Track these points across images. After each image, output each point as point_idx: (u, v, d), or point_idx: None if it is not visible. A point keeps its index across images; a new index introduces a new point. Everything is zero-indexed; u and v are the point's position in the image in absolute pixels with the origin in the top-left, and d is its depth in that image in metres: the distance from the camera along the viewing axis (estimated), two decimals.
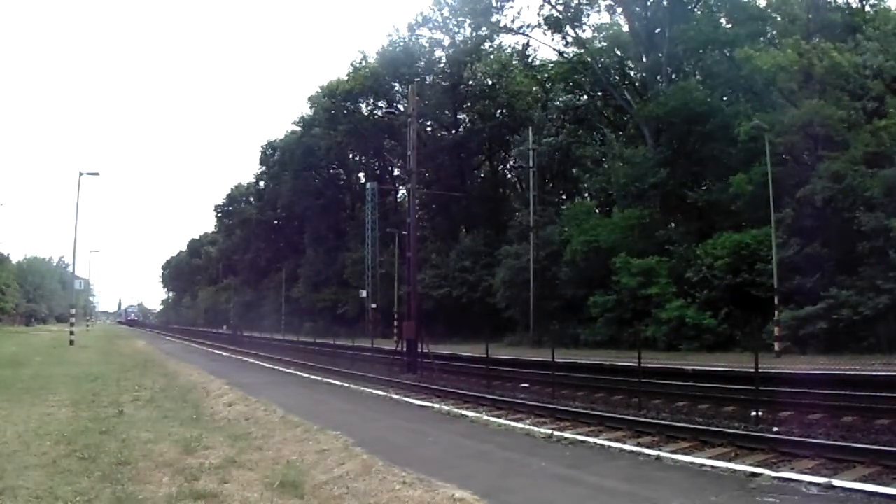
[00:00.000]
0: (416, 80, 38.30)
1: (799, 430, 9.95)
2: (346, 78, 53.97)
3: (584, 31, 38.50)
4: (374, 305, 44.37)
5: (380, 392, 14.61)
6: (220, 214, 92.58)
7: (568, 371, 17.32)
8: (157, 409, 11.21)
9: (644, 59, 34.73)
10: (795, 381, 13.18)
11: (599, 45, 38.13)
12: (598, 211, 37.13)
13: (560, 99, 43.06)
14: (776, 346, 20.06)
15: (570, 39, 38.79)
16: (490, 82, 45.61)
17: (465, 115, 48.93)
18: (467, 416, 10.72)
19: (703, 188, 30.70)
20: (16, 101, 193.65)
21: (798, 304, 21.22)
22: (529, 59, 48.01)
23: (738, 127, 25.23)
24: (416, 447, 8.18)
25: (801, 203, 22.48)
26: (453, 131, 48.75)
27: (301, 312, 60.52)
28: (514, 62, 47.91)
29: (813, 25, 26.77)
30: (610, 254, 28.52)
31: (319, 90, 56.61)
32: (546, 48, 66.80)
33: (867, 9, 28.51)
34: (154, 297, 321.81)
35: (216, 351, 35.10)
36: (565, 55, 40.33)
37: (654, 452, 7.59)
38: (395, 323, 37.74)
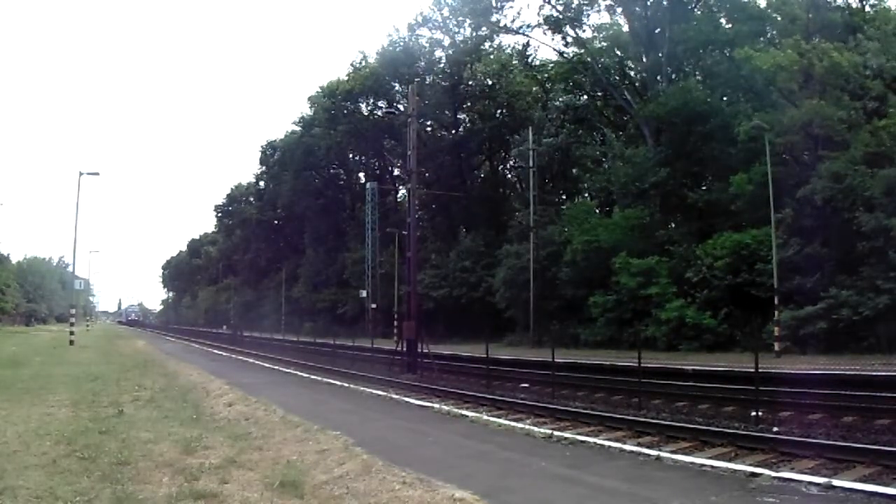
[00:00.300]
0: (416, 80, 38.29)
1: (799, 430, 9.95)
2: (346, 78, 53.98)
3: (584, 31, 38.60)
4: (374, 305, 44.37)
5: (380, 392, 14.60)
6: (220, 214, 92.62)
7: (568, 371, 17.32)
8: (157, 409, 11.21)
9: (644, 59, 34.75)
10: (795, 381, 13.18)
11: (599, 45, 38.15)
12: (598, 211, 37.13)
13: (560, 99, 43.01)
14: (776, 346, 20.07)
15: (570, 39, 38.84)
16: (490, 82, 45.61)
17: (465, 115, 48.94)
18: (467, 416, 10.72)
19: (703, 188, 30.73)
20: (16, 101, 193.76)
21: (798, 304, 21.22)
22: (529, 59, 48.04)
23: (738, 127, 25.24)
24: (416, 447, 8.18)
25: (801, 203, 22.49)
26: (453, 131, 48.75)
27: (301, 312, 60.53)
28: (514, 62, 47.91)
29: (813, 25, 26.76)
30: (610, 254, 28.53)
31: (319, 90, 56.64)
32: (546, 48, 67.00)
33: (867, 9, 28.53)
34: (154, 297, 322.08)
35: (216, 351, 35.10)
36: (565, 55, 40.37)
37: (654, 452, 7.59)
38: (395, 323, 37.75)
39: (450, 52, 47.27)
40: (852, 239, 21.10)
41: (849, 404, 11.44)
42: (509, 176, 50.74)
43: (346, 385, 16.17)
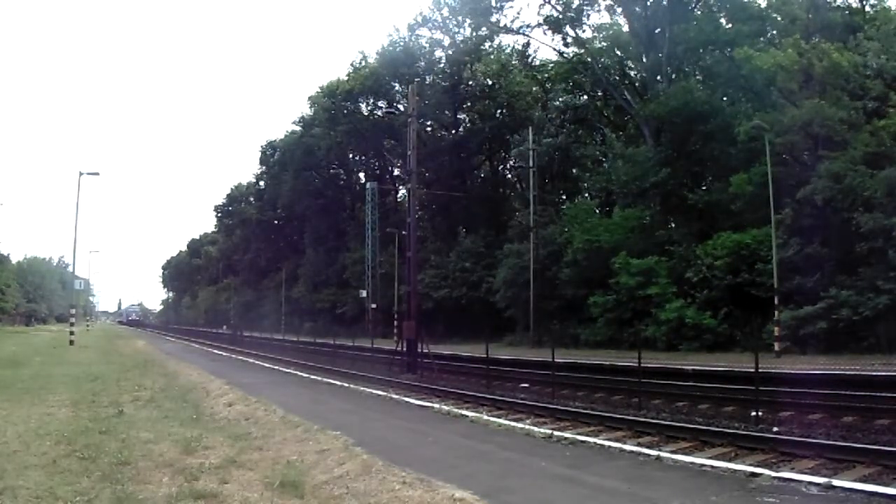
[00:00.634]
0: (416, 80, 38.28)
1: (799, 430, 9.95)
2: (346, 78, 53.97)
3: (584, 31, 38.54)
4: (374, 305, 44.37)
5: (380, 392, 14.61)
6: (220, 214, 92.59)
7: (568, 371, 17.32)
8: (157, 409, 11.21)
9: (644, 59, 34.73)
10: (795, 381, 13.18)
11: (599, 45, 38.13)
12: (598, 211, 37.14)
13: (560, 99, 43.05)
14: (776, 346, 20.07)
15: (570, 39, 38.78)
16: (490, 82, 45.63)
17: (465, 115, 48.95)
18: (467, 416, 10.72)
19: (704, 188, 30.74)
20: (16, 101, 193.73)
21: (798, 304, 21.22)
22: (529, 59, 48.03)
23: (739, 127, 25.23)
24: (416, 447, 8.18)
25: (801, 203, 22.48)
26: (453, 131, 48.76)
27: (301, 312, 60.52)
28: (514, 62, 47.91)
29: (813, 25, 26.76)
30: (610, 254, 28.52)
31: (319, 90, 56.63)
32: (546, 48, 66.97)
33: (867, 9, 28.53)
34: (154, 297, 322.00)
35: (216, 351, 35.10)
36: (565, 55, 40.34)
37: (654, 452, 7.59)
38: (395, 323, 37.75)
39: (450, 52, 47.29)
40: (852, 239, 21.10)
41: (849, 404, 11.44)
42: (509, 176, 50.74)
43: (346, 385, 16.17)
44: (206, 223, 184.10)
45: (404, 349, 21.93)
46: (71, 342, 34.39)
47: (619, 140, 36.70)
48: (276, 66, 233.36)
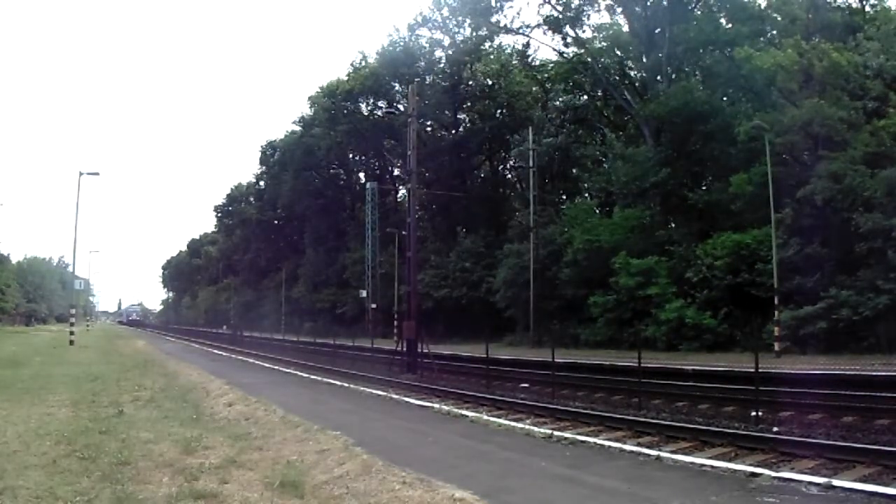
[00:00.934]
0: (416, 80, 38.28)
1: (799, 430, 9.95)
2: (346, 78, 53.96)
3: (584, 31, 38.51)
4: (374, 305, 44.37)
5: (380, 392, 14.61)
6: (220, 214, 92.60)
7: (568, 371, 17.32)
8: (157, 409, 11.21)
9: (644, 59, 34.72)
10: (795, 381, 13.18)
11: (599, 45, 38.11)
12: (598, 211, 37.14)
13: (560, 99, 43.05)
14: (776, 346, 20.07)
15: (570, 39, 38.76)
16: (490, 82, 45.63)
17: (465, 115, 48.94)
18: (467, 416, 10.72)
19: (704, 188, 30.73)
20: (16, 101, 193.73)
21: (798, 304, 21.22)
22: (529, 59, 48.00)
23: (739, 127, 25.23)
24: (416, 447, 8.18)
25: (801, 203, 22.48)
26: (453, 131, 48.75)
27: (301, 312, 60.51)
28: (514, 62, 47.89)
29: (813, 25, 26.75)
30: (610, 254, 28.52)
31: (319, 90, 56.63)
32: (546, 48, 66.85)
33: (867, 9, 28.52)
34: (154, 297, 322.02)
35: (216, 351, 35.10)
36: (565, 55, 40.31)
37: (654, 452, 7.59)
38: (395, 323, 37.75)
39: (450, 52, 47.28)
40: (852, 239, 21.10)
41: (849, 404, 11.44)
42: (509, 176, 50.74)
43: (346, 385, 16.18)
44: (206, 223, 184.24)
45: (404, 349, 21.92)
46: (71, 342, 34.39)
47: (619, 140, 36.70)
48: (276, 66, 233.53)
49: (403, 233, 29.64)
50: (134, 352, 32.01)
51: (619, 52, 37.72)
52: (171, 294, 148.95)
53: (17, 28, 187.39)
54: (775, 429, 9.95)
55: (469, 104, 47.33)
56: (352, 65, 55.73)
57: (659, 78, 33.71)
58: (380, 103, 52.02)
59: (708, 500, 5.48)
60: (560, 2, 37.02)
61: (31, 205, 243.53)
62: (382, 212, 48.90)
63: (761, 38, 30.62)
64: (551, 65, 44.58)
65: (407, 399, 13.32)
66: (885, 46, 23.43)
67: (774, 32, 30.71)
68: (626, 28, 36.83)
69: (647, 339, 24.38)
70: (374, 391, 14.75)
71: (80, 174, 37.10)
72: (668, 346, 24.56)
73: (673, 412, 12.18)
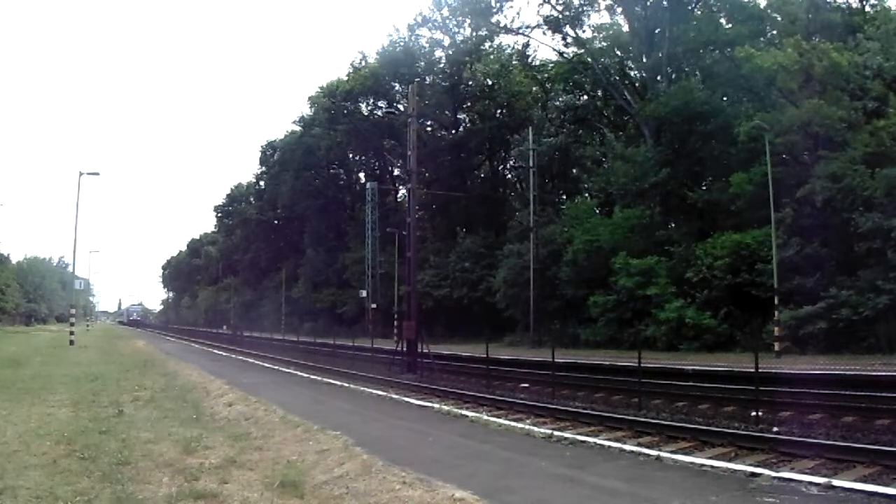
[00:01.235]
0: (416, 80, 38.24)
1: (799, 430, 9.95)
2: (345, 78, 53.93)
3: (583, 31, 38.54)
4: (374, 305, 44.38)
5: (380, 392, 14.61)
6: (220, 214, 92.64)
7: (568, 371, 17.31)
8: (157, 409, 11.22)
9: (644, 59, 34.71)
10: (795, 381, 13.17)
11: (599, 45, 38.11)
12: (597, 211, 37.15)
13: (560, 99, 43.06)
14: (776, 346, 20.08)
15: (570, 39, 38.80)
16: (490, 82, 45.60)
17: (465, 115, 48.93)
18: (467, 416, 10.72)
19: (704, 188, 30.73)
20: (16, 101, 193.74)
21: (798, 304, 21.23)
22: (529, 59, 48.03)
23: (739, 127, 25.24)
24: (416, 447, 8.18)
25: (801, 203, 22.50)
26: (453, 131, 48.75)
27: (301, 312, 60.51)
28: (514, 62, 47.90)
29: (813, 25, 26.73)
30: (610, 254, 28.53)
31: (319, 90, 56.63)
32: (546, 48, 66.91)
33: (867, 9, 28.48)
34: (154, 297, 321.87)
35: (216, 351, 35.11)
36: (565, 55, 40.34)
37: (654, 452, 7.59)
38: (395, 323, 37.75)
39: (450, 52, 47.28)
40: (852, 239, 21.12)
41: (849, 404, 11.44)
42: (509, 176, 50.75)
43: (346, 385, 16.18)
44: (206, 223, 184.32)
45: (404, 349, 21.92)
46: (71, 342, 34.41)
47: (619, 140, 36.70)
48: (276, 66, 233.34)
49: (403, 233, 29.61)
50: (134, 352, 32.01)
51: (619, 52, 37.72)
52: (171, 294, 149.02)
53: (18, 28, 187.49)
54: (775, 429, 9.95)
55: (469, 104, 47.32)
56: (352, 65, 55.74)
57: (659, 78, 33.72)
58: (380, 103, 52.03)
59: (708, 500, 5.48)
60: (560, 2, 37.07)
61: (31, 205, 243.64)
62: (382, 212, 48.91)
63: (761, 38, 30.59)
64: (551, 65, 44.62)
65: (407, 399, 13.33)
66: (884, 46, 23.43)
67: (774, 32, 30.69)
68: (626, 28, 36.84)
69: (647, 339, 24.38)
70: (374, 391, 14.76)
71: (80, 174, 37.19)
72: (668, 346, 24.56)
73: (673, 412, 12.18)
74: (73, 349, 31.65)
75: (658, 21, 33.64)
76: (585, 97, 42.00)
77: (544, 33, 39.64)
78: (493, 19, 42.23)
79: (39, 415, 10.19)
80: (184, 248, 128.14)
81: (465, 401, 13.62)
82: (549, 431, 9.05)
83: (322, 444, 7.89)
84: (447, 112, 48.14)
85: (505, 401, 13.37)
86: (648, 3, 34.40)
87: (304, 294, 61.79)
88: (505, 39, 48.58)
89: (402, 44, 49.19)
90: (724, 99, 31.21)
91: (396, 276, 40.88)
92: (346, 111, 53.42)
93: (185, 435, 8.48)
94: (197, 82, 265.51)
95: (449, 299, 39.50)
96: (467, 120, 48.87)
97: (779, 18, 29.94)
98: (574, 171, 43.39)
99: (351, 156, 62.32)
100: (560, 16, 37.37)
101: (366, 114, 53.95)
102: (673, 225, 31.08)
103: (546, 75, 45.22)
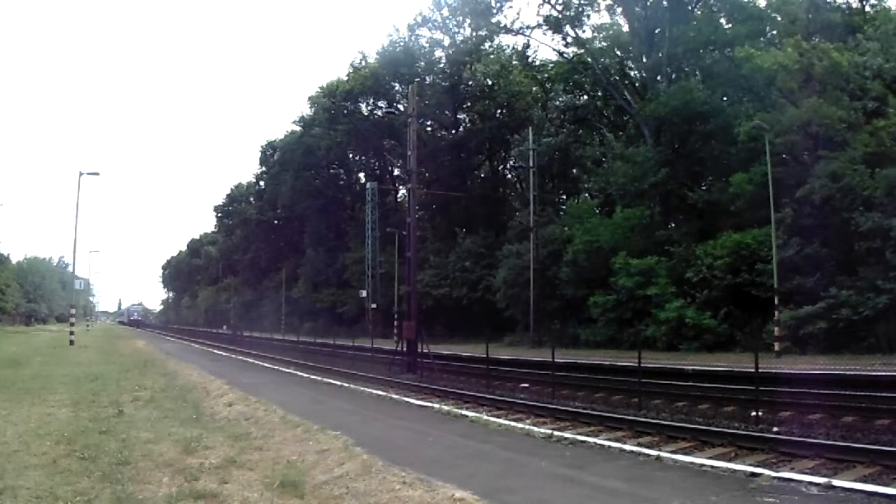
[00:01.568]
0: (416, 80, 38.24)
1: (799, 430, 9.96)
2: (345, 78, 53.93)
3: (584, 31, 38.51)
4: (374, 305, 44.37)
5: (380, 392, 14.61)
6: (220, 214, 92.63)
7: (568, 371, 17.31)
8: (157, 409, 11.22)
9: (644, 59, 34.72)
10: (795, 381, 13.17)
11: (599, 45, 38.10)
12: (598, 211, 37.16)
13: (560, 99, 43.05)
14: (776, 346, 20.07)
15: (570, 39, 38.78)
16: (490, 82, 45.57)
17: (465, 115, 48.93)
18: (467, 416, 10.72)
19: (704, 188, 30.73)
20: (16, 101, 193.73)
21: (798, 304, 21.23)
22: (529, 59, 48.02)
23: (738, 127, 25.24)
24: (416, 447, 8.18)
25: (801, 203, 22.50)
26: (453, 131, 48.75)
27: (301, 312, 60.51)
28: (514, 62, 47.89)
29: (813, 25, 26.73)
30: (610, 254, 28.53)
31: (319, 90, 56.60)
32: (546, 48, 66.87)
33: (867, 9, 28.49)
34: (154, 297, 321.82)
35: (216, 351, 35.11)
36: (565, 55, 40.34)
37: (654, 452, 7.59)
38: (395, 323, 37.75)
39: (450, 52, 47.27)
40: (852, 239, 21.12)
41: (849, 404, 11.44)
42: (509, 176, 50.76)
43: (346, 385, 16.18)
44: (206, 223, 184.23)
45: (404, 349, 21.92)
46: (71, 342, 34.40)
47: (619, 140, 36.72)
48: (276, 66, 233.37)
49: (403, 233, 29.61)
50: (134, 352, 32.01)
51: (619, 53, 37.71)
52: (170, 294, 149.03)
53: (18, 28, 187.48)
54: (775, 429, 9.95)
55: (469, 104, 47.31)
56: (352, 65, 55.73)
57: (659, 78, 33.72)
58: (380, 103, 52.02)
59: (708, 500, 5.48)
60: (560, 2, 37.04)
61: (31, 205, 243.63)
62: (382, 212, 48.91)
63: (761, 38, 30.58)
64: (551, 65, 44.62)
65: (407, 399, 13.33)
66: (884, 46, 23.43)
67: (774, 32, 30.68)
68: (626, 28, 36.83)
69: (647, 339, 24.38)
70: (374, 391, 14.76)
71: (80, 174, 37.19)
72: (668, 346, 24.56)
73: (673, 412, 12.18)
74: (73, 349, 31.65)
75: (658, 21, 33.64)
76: (585, 97, 41.99)
77: (544, 33, 39.69)
78: (493, 19, 42.25)
79: (39, 415, 10.19)
80: (184, 248, 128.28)
81: (465, 401, 13.62)
82: (549, 431, 9.05)
83: (322, 444, 7.89)
84: (447, 112, 48.14)
85: (505, 401, 13.36)
86: (648, 3, 34.40)
87: (304, 294, 61.80)
88: (505, 39, 48.68)
89: (402, 44, 49.22)
90: (724, 99, 31.21)
91: (396, 276, 40.89)
92: (346, 111, 53.41)
93: (185, 435, 8.48)
94: (197, 82, 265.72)
95: (449, 299, 39.50)
96: (467, 120, 48.86)
97: (779, 18, 29.95)
98: (574, 171, 43.38)
99: (351, 156, 62.31)
100: (560, 16, 37.35)
101: (366, 114, 53.95)
102: (673, 225, 31.08)
103: (546, 75, 45.23)
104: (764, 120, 22.68)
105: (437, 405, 12.24)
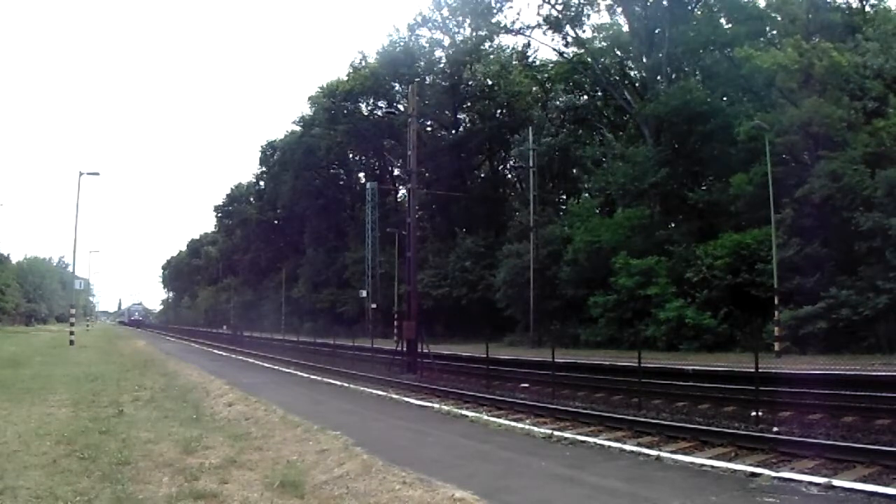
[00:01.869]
0: (416, 80, 38.28)
1: (799, 430, 9.96)
2: (345, 78, 53.97)
3: (584, 31, 38.55)
4: (374, 305, 44.36)
5: (380, 392, 14.61)
6: (220, 214, 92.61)
7: (568, 371, 17.31)
8: (157, 409, 11.21)
9: (644, 59, 34.73)
10: (795, 381, 13.17)
11: (599, 45, 38.13)
12: (598, 211, 37.16)
13: (560, 99, 43.06)
14: (776, 346, 20.08)
15: (570, 39, 38.82)
16: (490, 82, 45.60)
17: (465, 115, 48.94)
18: (467, 416, 10.72)
19: (703, 188, 30.74)
20: (16, 101, 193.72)
21: (798, 304, 21.23)
22: (529, 59, 48.04)
23: (738, 127, 25.24)
24: (416, 447, 8.18)
25: (801, 203, 22.50)
26: (453, 131, 48.75)
27: (301, 312, 60.53)
28: (514, 62, 47.91)
29: (813, 25, 26.75)
30: (611, 253, 28.54)
31: (319, 90, 56.65)
32: (546, 48, 66.78)
33: (867, 9, 28.51)
34: (154, 297, 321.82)
35: (216, 351, 35.11)
36: (565, 55, 40.36)
37: (654, 452, 7.59)
38: (395, 323, 37.74)
39: (450, 52, 47.28)
40: (852, 239, 21.11)
41: (849, 404, 11.44)
42: (509, 176, 50.77)
43: (346, 385, 16.18)
44: (206, 223, 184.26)
45: (404, 349, 21.92)
46: (71, 342, 34.39)
47: (619, 140, 36.74)
48: (276, 66, 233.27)
49: (403, 233, 29.60)
50: (134, 352, 32.01)
51: (619, 52, 37.74)
52: (170, 294, 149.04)
53: (18, 28, 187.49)
54: (775, 429, 9.95)
55: (469, 104, 47.32)
56: (352, 65, 55.79)
57: (659, 78, 33.72)
58: (380, 103, 52.03)
59: (708, 500, 5.48)
60: (560, 2, 37.06)
61: (31, 205, 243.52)
62: (382, 212, 48.90)
63: (761, 38, 30.61)
64: (551, 65, 44.64)
65: (407, 399, 13.32)
66: (884, 46, 23.45)
67: (774, 32, 30.72)
68: (626, 28, 36.85)
69: (647, 339, 24.40)
70: (374, 391, 14.76)
71: (80, 174, 37.14)
72: (668, 346, 24.57)
73: (673, 412, 12.18)
74: (73, 349, 31.64)
75: (658, 21, 33.64)
76: (585, 97, 42.02)
77: (544, 33, 39.69)
78: (493, 19, 42.27)
79: (39, 415, 10.19)
80: (184, 248, 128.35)
81: (465, 401, 13.62)
82: (549, 431, 9.05)
83: (322, 444, 7.89)
84: (447, 112, 48.14)
85: (505, 401, 13.36)
86: (648, 3, 34.40)
87: (304, 294, 61.80)
88: (505, 39, 48.64)
89: (402, 44, 49.23)
90: (724, 99, 31.24)
91: (396, 276, 40.89)
92: (346, 111, 53.42)
93: (185, 435, 8.48)
94: (197, 82, 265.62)
95: (449, 299, 39.50)
96: (467, 120, 48.87)
97: (779, 18, 29.98)
98: (574, 171, 43.36)
99: (351, 156, 62.31)
100: (560, 16, 37.36)
101: (366, 114, 53.95)
102: (673, 225, 31.09)
103: (546, 75, 45.23)
104: (764, 120, 22.68)
105: (437, 405, 12.24)
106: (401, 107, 46.63)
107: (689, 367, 17.01)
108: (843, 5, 28.72)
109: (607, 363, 19.24)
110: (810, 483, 5.93)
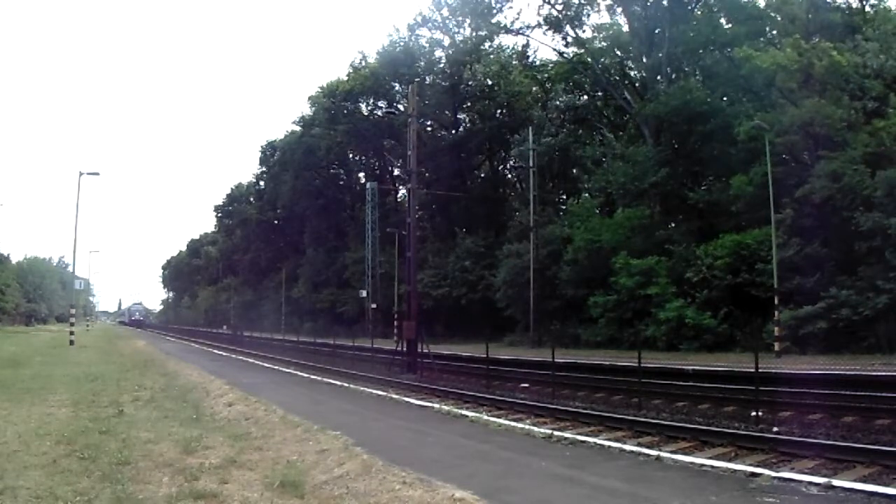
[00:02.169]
0: (416, 80, 38.26)
1: (799, 430, 9.96)
2: (346, 78, 53.97)
3: (584, 31, 38.57)
4: (374, 305, 44.36)
5: (380, 392, 14.61)
6: (220, 214, 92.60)
7: (568, 371, 17.31)
8: (157, 409, 11.21)
9: (644, 59, 34.73)
10: (795, 381, 13.17)
11: (599, 45, 38.13)
12: (598, 211, 37.17)
13: (560, 99, 43.05)
14: (776, 346, 20.08)
15: (570, 39, 38.84)
16: (490, 82, 45.61)
17: (465, 115, 48.95)
18: (467, 416, 10.72)
19: (704, 188, 30.75)
20: (16, 101, 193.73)
21: (798, 304, 21.23)
22: (529, 59, 48.05)
23: (738, 127, 25.24)
24: (416, 447, 8.18)
25: (801, 203, 22.51)
26: (453, 131, 48.75)
27: (301, 312, 60.52)
28: (514, 62, 47.91)
29: (813, 25, 26.75)
30: (611, 253, 28.54)
31: (319, 90, 56.63)
32: (546, 48, 66.90)
33: (867, 9, 28.50)
34: (154, 297, 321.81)
35: (216, 351, 35.10)
36: (565, 55, 40.37)
37: (654, 452, 7.59)
38: (395, 323, 37.75)
39: (450, 52, 47.30)
40: (852, 239, 21.12)
41: (849, 404, 11.44)
42: (509, 176, 50.76)
43: (346, 385, 16.18)
44: (206, 223, 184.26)
45: (404, 349, 21.93)
46: (71, 342, 34.39)
47: (619, 140, 36.75)
48: (276, 66, 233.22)
49: (403, 233, 29.60)
50: (134, 352, 32.01)
51: (619, 52, 37.73)
52: (170, 294, 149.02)
53: (18, 28, 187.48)
54: (775, 429, 9.95)
55: (469, 104, 47.31)
56: (352, 65, 55.79)
57: (659, 78, 33.72)
58: (380, 103, 52.04)
59: (708, 500, 5.48)
60: (560, 2, 37.07)
61: (31, 205, 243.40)
62: (382, 212, 48.90)
63: (761, 38, 30.62)
64: (551, 65, 44.62)
65: (407, 399, 13.32)
66: (884, 46, 23.45)
67: (774, 32, 30.72)
68: (626, 28, 36.84)
69: (647, 339, 24.40)
70: (374, 391, 14.76)
71: (80, 174, 37.13)
72: (668, 346, 24.57)
73: (673, 412, 12.18)
74: (73, 349, 31.63)
75: (658, 21, 33.64)
76: (585, 97, 42.01)
77: (544, 33, 39.73)
78: (493, 19, 42.31)
79: (39, 415, 10.19)
80: (184, 248, 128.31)
81: (465, 401, 13.62)
82: (549, 431, 9.05)
83: (322, 444, 7.89)
84: (447, 112, 48.15)
85: (505, 401, 13.37)
86: (648, 3, 34.40)
87: (304, 294, 61.79)
88: (505, 39, 48.68)
89: (402, 44, 49.23)
90: (724, 99, 31.23)
91: (396, 276, 40.89)
92: (346, 111, 53.42)
93: (185, 435, 8.48)
94: (197, 82, 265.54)
95: (449, 299, 39.50)
96: (467, 120, 48.87)
97: (778, 18, 29.98)
98: (574, 171, 43.36)
99: (351, 156, 62.31)
100: (560, 16, 37.37)
101: (366, 114, 53.95)
102: (673, 225, 31.10)
103: (546, 75, 45.22)
104: (764, 120, 22.68)
105: (437, 405, 12.24)
106: (401, 107, 46.64)
107: (689, 367, 17.02)
108: (843, 5, 28.72)
109: (607, 363, 19.24)
110: (810, 483, 5.93)
